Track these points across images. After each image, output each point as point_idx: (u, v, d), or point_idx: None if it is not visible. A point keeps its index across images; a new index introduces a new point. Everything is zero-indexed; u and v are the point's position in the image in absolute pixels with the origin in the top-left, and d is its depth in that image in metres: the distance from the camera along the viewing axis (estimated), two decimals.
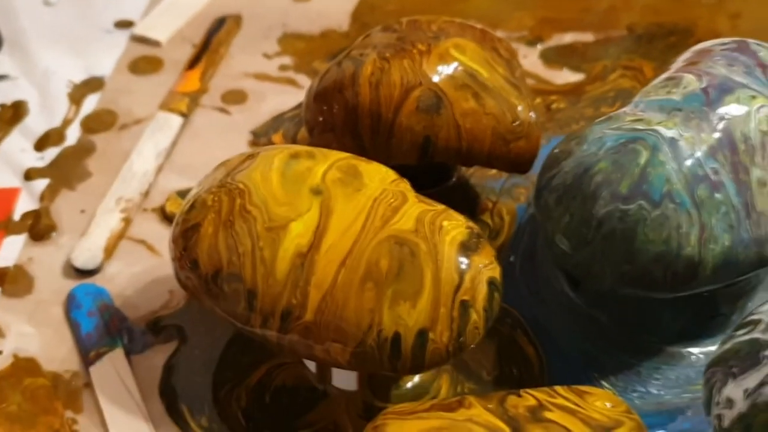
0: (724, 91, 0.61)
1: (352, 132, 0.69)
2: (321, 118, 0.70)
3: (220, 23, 0.95)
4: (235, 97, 0.88)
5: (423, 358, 0.57)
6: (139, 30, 0.94)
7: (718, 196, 0.59)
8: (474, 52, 0.70)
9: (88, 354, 0.68)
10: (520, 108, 0.69)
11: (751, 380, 0.51)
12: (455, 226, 0.58)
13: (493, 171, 0.77)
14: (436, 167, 0.76)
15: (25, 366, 0.68)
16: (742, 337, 0.53)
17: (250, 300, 0.57)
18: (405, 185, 0.61)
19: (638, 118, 0.61)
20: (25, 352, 0.69)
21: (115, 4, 0.97)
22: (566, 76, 0.88)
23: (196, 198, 0.61)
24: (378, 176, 0.60)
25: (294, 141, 0.83)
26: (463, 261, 0.57)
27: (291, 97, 0.87)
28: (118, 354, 0.68)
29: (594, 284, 0.63)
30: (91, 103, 0.87)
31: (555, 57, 0.90)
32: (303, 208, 0.58)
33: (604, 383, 0.65)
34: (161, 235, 0.75)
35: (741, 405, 0.51)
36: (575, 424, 0.52)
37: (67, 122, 0.86)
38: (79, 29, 0.95)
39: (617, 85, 0.87)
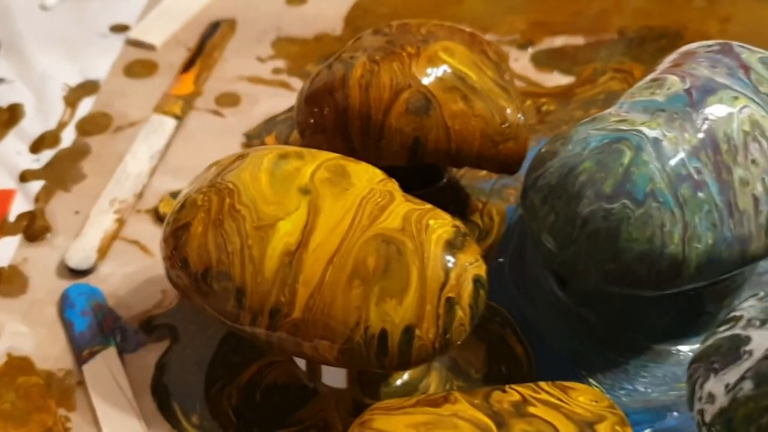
0: (707, 92, 0.62)
1: (342, 133, 0.70)
2: (312, 120, 0.71)
3: (214, 27, 0.95)
4: (228, 100, 0.88)
5: (409, 354, 0.57)
6: (134, 34, 0.95)
7: (701, 195, 0.60)
8: (463, 54, 0.70)
9: (82, 353, 0.69)
10: (508, 110, 0.70)
11: (732, 375, 0.52)
12: (441, 224, 0.59)
13: (483, 172, 0.78)
14: (427, 168, 0.77)
15: (18, 365, 0.69)
16: (724, 333, 0.54)
17: (239, 298, 0.58)
18: (392, 185, 0.61)
19: (622, 118, 0.62)
20: (19, 351, 0.70)
21: (111, 8, 0.98)
22: (557, 79, 0.89)
23: (186, 198, 0.62)
24: (366, 176, 0.61)
25: (287, 143, 0.84)
26: (449, 259, 0.58)
27: (284, 99, 0.88)
28: (111, 353, 0.69)
29: (579, 283, 0.64)
30: (86, 106, 0.88)
31: (546, 60, 0.91)
32: (291, 207, 0.59)
33: (591, 381, 0.66)
34: (154, 236, 0.76)
35: (722, 400, 0.52)
36: (558, 418, 0.53)
37: (62, 125, 0.87)
38: (75, 33, 0.96)
39: (607, 87, 0.88)
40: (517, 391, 0.55)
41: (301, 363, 0.66)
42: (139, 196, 0.80)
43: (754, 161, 0.61)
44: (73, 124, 0.87)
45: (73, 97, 0.89)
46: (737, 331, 0.53)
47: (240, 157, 0.63)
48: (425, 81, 0.68)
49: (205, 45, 0.93)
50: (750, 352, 0.51)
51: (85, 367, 0.68)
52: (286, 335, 0.58)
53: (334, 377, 0.65)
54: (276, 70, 0.91)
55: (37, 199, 0.80)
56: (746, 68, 0.64)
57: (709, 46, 0.67)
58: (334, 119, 0.69)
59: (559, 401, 0.54)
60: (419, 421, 0.53)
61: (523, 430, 0.52)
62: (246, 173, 0.61)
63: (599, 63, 0.90)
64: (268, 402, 0.66)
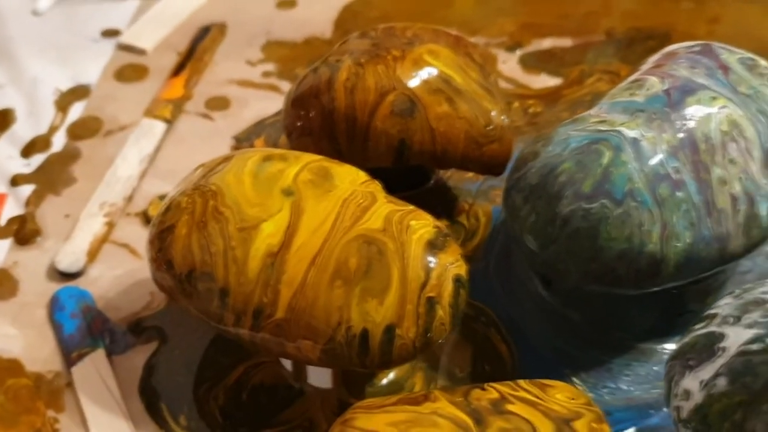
0: (685, 92, 0.63)
1: (328, 136, 0.70)
2: (299, 123, 0.72)
3: (205, 31, 0.96)
4: (218, 104, 0.89)
5: (391, 353, 0.58)
6: (125, 39, 0.96)
7: (679, 194, 0.60)
8: (448, 57, 0.71)
9: (71, 355, 0.70)
10: (493, 112, 0.70)
11: (707, 372, 0.52)
12: (423, 225, 0.60)
13: (470, 174, 0.78)
14: (414, 170, 0.77)
15: (8, 366, 0.69)
16: (699, 330, 0.55)
17: (222, 299, 0.59)
18: (375, 186, 0.62)
19: (602, 119, 0.63)
20: (9, 353, 0.70)
21: (102, 13, 0.99)
22: (544, 81, 0.90)
23: (171, 200, 0.62)
24: (349, 178, 0.62)
25: (276, 146, 0.84)
26: (430, 259, 0.58)
27: (273, 103, 0.88)
28: (99, 354, 0.70)
29: (561, 282, 0.64)
30: (77, 111, 0.89)
31: (534, 62, 0.92)
32: (274, 208, 0.59)
33: (575, 380, 0.66)
34: (143, 239, 0.75)
35: (697, 396, 0.52)
36: (535, 415, 0.53)
37: (53, 129, 0.87)
38: (67, 38, 0.96)
39: (594, 88, 0.88)
40: (496, 389, 0.55)
41: (287, 364, 0.67)
42: (129, 199, 0.81)
43: (732, 161, 0.61)
44: (64, 128, 0.87)
45: (64, 102, 0.90)
46: (712, 328, 0.54)
47: (225, 159, 0.64)
48: (410, 83, 0.69)
49: (196, 49, 0.94)
50: (724, 349, 0.52)
51: (74, 369, 0.69)
52: (270, 335, 0.59)
53: (320, 378, 0.66)
54: (266, 74, 0.92)
55: (27, 203, 0.81)
56: (725, 68, 0.64)
57: (691, 47, 0.67)
58: (320, 122, 0.70)
59: (537, 399, 0.55)
60: (400, 419, 0.54)
61: (500, 428, 0.52)
62: (230, 175, 0.61)
63: (586, 64, 0.91)
64: (254, 402, 0.66)
